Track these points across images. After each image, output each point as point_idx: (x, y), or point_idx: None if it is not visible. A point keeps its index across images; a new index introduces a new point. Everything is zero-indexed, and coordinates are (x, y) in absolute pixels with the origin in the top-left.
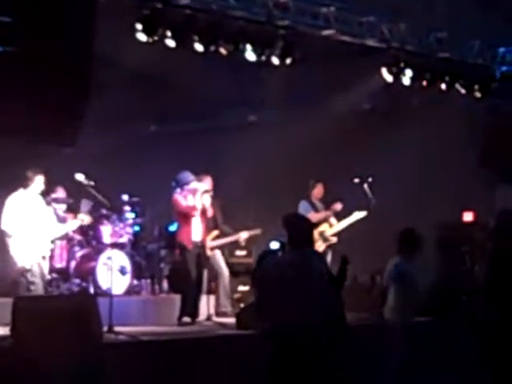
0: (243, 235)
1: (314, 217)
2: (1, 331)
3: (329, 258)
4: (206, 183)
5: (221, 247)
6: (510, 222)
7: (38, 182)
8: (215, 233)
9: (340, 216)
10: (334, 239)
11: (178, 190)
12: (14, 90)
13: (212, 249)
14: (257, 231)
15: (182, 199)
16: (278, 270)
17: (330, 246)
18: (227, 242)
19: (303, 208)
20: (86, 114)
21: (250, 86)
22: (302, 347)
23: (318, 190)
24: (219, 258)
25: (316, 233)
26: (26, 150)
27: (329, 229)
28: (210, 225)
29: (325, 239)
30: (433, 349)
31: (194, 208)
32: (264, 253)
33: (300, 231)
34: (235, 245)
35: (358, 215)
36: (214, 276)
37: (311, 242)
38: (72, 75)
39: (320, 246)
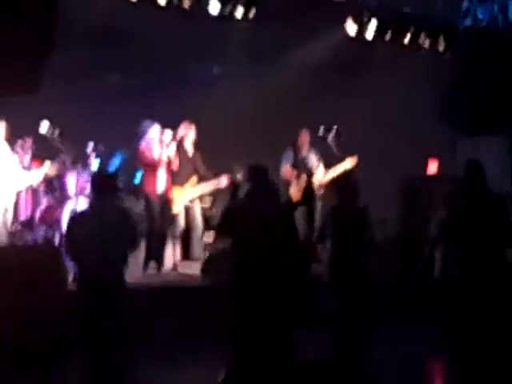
0: (224, 180)
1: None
2: None
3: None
4: (191, 130)
5: (201, 197)
6: (478, 170)
7: None
8: (194, 179)
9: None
10: (321, 191)
11: (143, 140)
12: None
13: (192, 200)
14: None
15: (148, 150)
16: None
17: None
18: (209, 190)
19: (285, 157)
20: (49, 64)
21: (213, 40)
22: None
23: (301, 138)
24: (196, 210)
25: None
26: None
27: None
28: (189, 172)
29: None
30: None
31: (159, 159)
32: None
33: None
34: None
35: (349, 163)
36: (189, 227)
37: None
38: (34, 23)
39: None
